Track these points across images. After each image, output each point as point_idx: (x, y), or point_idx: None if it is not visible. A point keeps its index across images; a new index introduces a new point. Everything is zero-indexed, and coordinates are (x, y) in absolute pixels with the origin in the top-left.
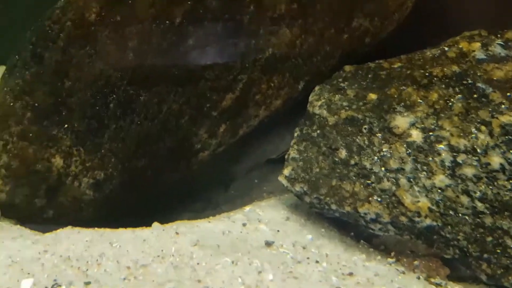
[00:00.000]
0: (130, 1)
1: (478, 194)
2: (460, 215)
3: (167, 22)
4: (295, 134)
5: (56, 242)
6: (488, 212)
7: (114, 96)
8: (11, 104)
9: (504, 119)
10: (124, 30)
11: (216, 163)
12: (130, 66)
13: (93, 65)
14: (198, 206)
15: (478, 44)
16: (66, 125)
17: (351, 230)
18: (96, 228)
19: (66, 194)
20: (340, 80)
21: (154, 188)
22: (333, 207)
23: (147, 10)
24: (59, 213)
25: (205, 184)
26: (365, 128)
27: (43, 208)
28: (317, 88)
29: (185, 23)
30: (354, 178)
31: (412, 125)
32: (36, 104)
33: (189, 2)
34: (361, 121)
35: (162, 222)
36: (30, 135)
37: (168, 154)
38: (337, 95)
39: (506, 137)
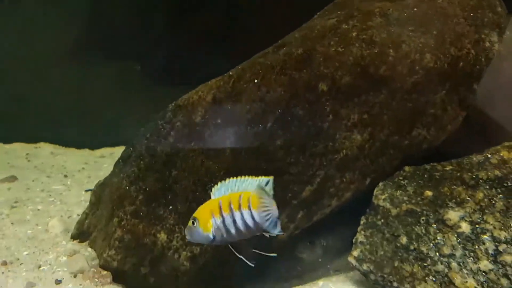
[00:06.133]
0: (229, 107)
1: None
2: None
3: (260, 125)
4: (361, 222)
5: None
6: None
7: (212, 184)
8: (127, 187)
9: None
10: (224, 131)
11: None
12: (227, 160)
13: (196, 158)
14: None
15: None
16: (170, 207)
17: None
18: None
19: (167, 264)
20: (401, 178)
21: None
22: (395, 284)
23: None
24: (159, 281)
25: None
26: (422, 220)
27: (146, 275)
28: (381, 184)
29: (275, 127)
30: (413, 260)
31: (462, 218)
32: (147, 189)
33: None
34: (419, 213)
35: None
36: (141, 214)
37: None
38: (398, 191)
39: None
